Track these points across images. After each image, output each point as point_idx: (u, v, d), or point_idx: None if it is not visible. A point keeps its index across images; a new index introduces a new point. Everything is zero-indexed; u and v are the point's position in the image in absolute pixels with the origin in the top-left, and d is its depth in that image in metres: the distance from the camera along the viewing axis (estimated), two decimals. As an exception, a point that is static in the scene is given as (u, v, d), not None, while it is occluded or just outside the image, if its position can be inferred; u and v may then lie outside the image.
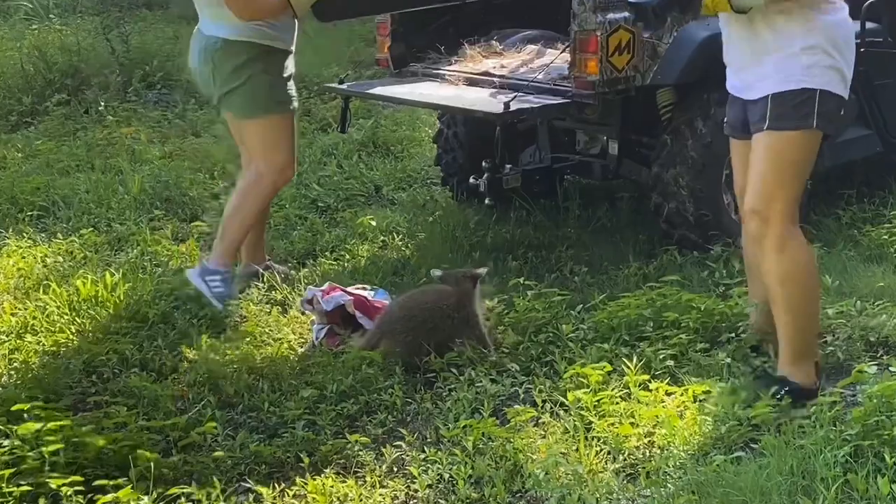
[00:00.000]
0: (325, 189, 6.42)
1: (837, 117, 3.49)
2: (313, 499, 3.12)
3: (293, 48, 4.76)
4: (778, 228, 3.45)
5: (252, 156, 4.76)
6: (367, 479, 3.23)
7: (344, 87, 5.61)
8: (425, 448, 3.37)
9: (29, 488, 3.07)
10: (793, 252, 3.47)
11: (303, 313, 4.45)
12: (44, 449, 3.19)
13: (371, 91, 5.74)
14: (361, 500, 3.12)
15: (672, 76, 5.10)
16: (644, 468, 3.16)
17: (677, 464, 3.17)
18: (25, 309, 4.50)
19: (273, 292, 4.79)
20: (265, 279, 4.87)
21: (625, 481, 3.13)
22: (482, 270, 4.23)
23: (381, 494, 3.16)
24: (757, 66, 3.48)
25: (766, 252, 3.48)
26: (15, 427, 3.26)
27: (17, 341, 4.19)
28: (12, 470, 3.11)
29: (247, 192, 4.74)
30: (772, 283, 3.49)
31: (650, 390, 3.53)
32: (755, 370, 3.72)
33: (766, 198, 3.46)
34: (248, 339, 4.23)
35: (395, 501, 3.15)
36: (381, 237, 5.63)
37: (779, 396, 3.36)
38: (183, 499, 3.13)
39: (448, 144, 6.08)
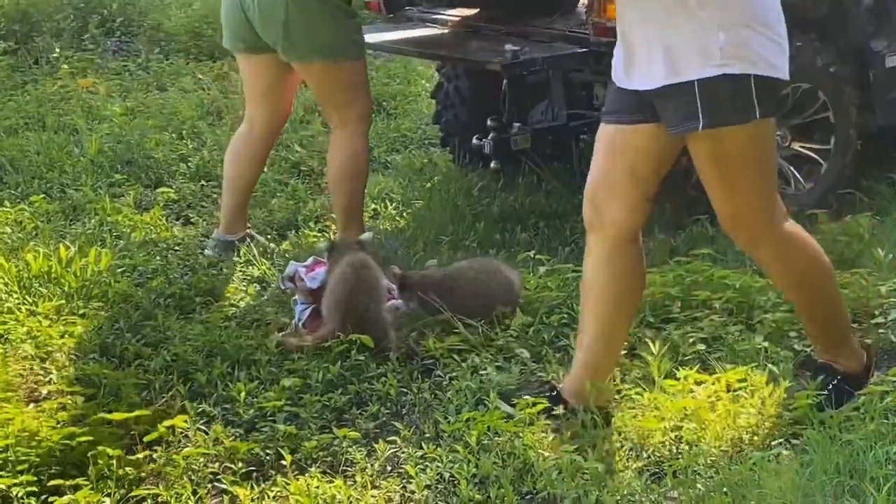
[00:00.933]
0: (308, 151, 6.42)
1: (779, 98, 3.33)
2: (297, 501, 3.13)
3: None
4: (769, 237, 3.37)
5: (342, 101, 4.90)
6: (358, 478, 3.25)
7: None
8: (423, 444, 3.38)
9: (-25, 489, 3.09)
10: (793, 255, 3.42)
11: (283, 291, 4.46)
12: (-9, 445, 3.21)
13: (361, 38, 5.72)
14: (351, 502, 3.13)
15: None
16: (671, 467, 3.18)
17: (708, 462, 3.18)
18: (-31, 287, 4.50)
19: (251, 267, 4.80)
20: (242, 253, 4.89)
21: (649, 481, 3.14)
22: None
23: (372, 496, 3.17)
24: (659, 43, 3.21)
25: (763, 264, 3.46)
26: (-42, 421, 3.28)
27: (-41, 323, 4.20)
28: (-44, 469, 3.13)
29: (354, 151, 4.91)
30: (781, 288, 3.54)
31: (678, 379, 3.55)
32: (797, 355, 3.74)
33: (741, 209, 3.33)
34: (222, 321, 4.24)
35: (389, 504, 3.17)
36: (373, 205, 5.64)
37: (829, 386, 3.40)
38: (149, 501, 3.14)
39: (448, 100, 6.07)
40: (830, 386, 3.43)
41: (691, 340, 3.85)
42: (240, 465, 3.30)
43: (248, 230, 5.09)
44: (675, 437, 3.34)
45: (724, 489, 3.01)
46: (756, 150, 3.30)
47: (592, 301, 3.50)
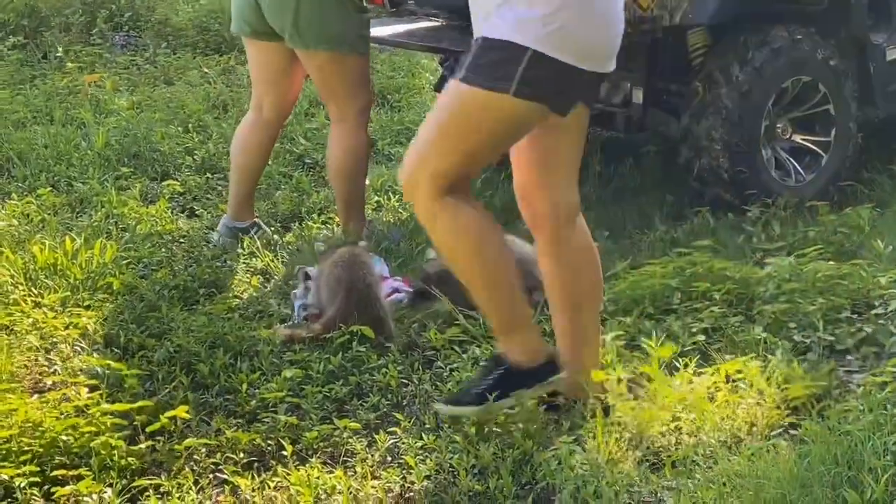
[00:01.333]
0: (312, 143, 6.41)
1: (554, 87, 3.13)
2: (297, 491, 3.12)
3: None
4: (424, 199, 3.18)
5: (343, 94, 4.86)
6: (358, 469, 3.23)
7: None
8: (423, 435, 3.36)
9: (-23, 479, 3.08)
10: (446, 223, 3.22)
11: (294, 274, 4.47)
12: (-6, 435, 3.19)
13: (364, 32, 5.70)
14: (351, 493, 3.12)
15: (705, 15, 5.07)
16: (669, 457, 3.16)
17: (707, 452, 3.16)
18: (-25, 278, 4.49)
19: (254, 259, 4.79)
20: (245, 245, 4.87)
21: (647, 472, 3.12)
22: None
23: (372, 486, 3.16)
24: (477, 7, 3.23)
25: (421, 220, 3.29)
26: (-39, 411, 3.26)
27: (-34, 314, 4.19)
28: (-41, 459, 3.12)
29: (353, 145, 4.87)
30: (442, 253, 3.38)
31: (677, 369, 3.52)
32: (797, 346, 3.72)
33: (420, 158, 3.19)
34: (225, 313, 4.22)
35: (389, 494, 3.14)
36: (376, 197, 5.62)
37: (490, 375, 3.34)
38: (151, 491, 3.13)
39: (451, 93, 6.04)
40: (493, 375, 3.34)
41: (692, 331, 3.83)
42: (241, 455, 3.29)
43: (255, 219, 5.09)
44: (675, 427, 3.31)
45: (723, 480, 2.98)
46: (484, 122, 3.16)
47: (556, 298, 3.43)
